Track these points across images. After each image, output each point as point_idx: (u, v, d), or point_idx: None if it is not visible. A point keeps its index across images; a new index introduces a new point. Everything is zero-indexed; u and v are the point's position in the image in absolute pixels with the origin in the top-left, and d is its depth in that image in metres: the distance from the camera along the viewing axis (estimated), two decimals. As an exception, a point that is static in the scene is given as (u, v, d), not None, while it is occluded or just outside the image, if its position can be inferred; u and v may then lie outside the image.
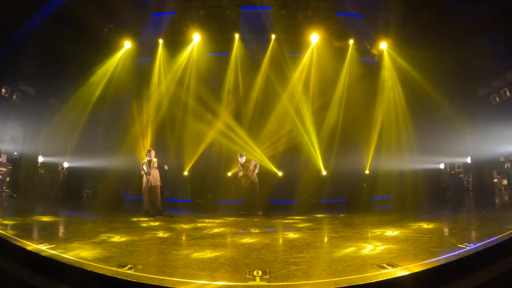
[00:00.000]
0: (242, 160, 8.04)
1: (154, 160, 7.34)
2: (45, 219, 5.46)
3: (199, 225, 5.63)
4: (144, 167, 7.24)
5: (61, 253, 2.90)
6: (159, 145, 10.31)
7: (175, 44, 10.39)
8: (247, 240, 4.07)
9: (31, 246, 3.07)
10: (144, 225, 5.48)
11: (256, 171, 8.20)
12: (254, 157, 9.23)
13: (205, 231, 4.81)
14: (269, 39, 10.23)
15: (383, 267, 2.48)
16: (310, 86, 10.44)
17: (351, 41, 10.26)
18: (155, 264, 2.67)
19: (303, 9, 9.42)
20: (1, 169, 9.23)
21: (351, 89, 10.31)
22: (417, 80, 9.85)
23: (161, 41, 10.28)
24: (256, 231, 4.92)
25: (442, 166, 11.44)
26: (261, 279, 2.30)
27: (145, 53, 10.62)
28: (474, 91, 10.14)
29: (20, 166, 9.83)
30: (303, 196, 10.19)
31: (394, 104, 10.38)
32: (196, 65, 10.47)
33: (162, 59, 10.50)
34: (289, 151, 10.18)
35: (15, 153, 9.73)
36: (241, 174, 8.00)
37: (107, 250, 3.19)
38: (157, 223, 5.71)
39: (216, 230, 4.99)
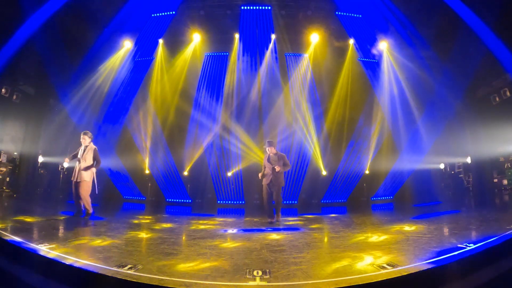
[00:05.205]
0: (271, 150, 5.73)
1: (92, 147, 5.59)
2: (44, 218, 5.45)
3: (200, 223, 5.63)
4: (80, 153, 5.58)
5: (61, 253, 2.90)
6: (159, 145, 10.32)
7: (175, 44, 10.39)
8: (247, 240, 4.07)
9: (31, 246, 3.06)
10: (139, 222, 5.47)
11: (282, 169, 5.72)
12: (254, 155, 9.16)
13: (205, 231, 4.80)
14: (269, 39, 10.24)
15: (383, 267, 2.48)
16: (310, 86, 10.45)
17: (351, 41, 10.28)
18: (155, 264, 2.67)
19: (303, 9, 9.43)
20: (1, 169, 9.21)
21: (351, 89, 10.33)
22: (417, 80, 9.86)
23: (161, 41, 10.28)
24: (255, 230, 4.92)
25: (442, 166, 11.43)
26: (261, 279, 2.30)
27: (145, 53, 10.63)
28: (474, 91, 10.14)
29: (20, 166, 9.83)
30: (303, 196, 10.23)
31: (394, 104, 10.39)
32: (196, 65, 10.49)
33: (162, 59, 10.50)
34: (289, 151, 10.19)
35: (15, 153, 9.72)
36: (268, 169, 5.69)
37: (107, 249, 3.18)
38: (156, 223, 5.71)
39: (216, 230, 4.98)
